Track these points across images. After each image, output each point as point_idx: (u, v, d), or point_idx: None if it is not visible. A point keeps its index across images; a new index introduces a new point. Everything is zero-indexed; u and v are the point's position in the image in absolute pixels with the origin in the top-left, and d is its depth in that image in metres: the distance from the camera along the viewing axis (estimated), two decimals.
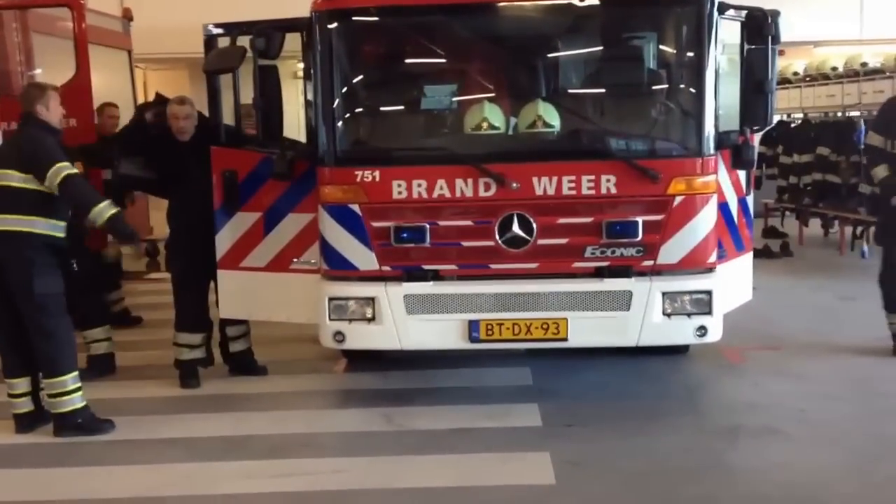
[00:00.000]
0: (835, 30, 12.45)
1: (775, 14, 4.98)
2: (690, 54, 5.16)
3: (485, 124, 5.06)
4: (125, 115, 7.41)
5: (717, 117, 5.06)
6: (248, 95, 5.12)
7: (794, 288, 8.82)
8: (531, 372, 6.07)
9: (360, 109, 5.53)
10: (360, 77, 5.47)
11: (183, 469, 4.68)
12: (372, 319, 5.16)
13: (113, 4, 9.38)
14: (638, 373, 6.03)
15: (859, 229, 10.34)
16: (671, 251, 5.07)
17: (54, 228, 5.06)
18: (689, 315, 5.09)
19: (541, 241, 5.06)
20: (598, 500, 4.21)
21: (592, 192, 5.01)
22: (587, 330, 5.09)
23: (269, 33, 5.03)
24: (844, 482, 4.28)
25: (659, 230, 5.03)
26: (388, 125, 5.64)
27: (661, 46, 5.52)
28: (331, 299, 5.19)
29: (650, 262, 5.07)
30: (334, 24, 5.08)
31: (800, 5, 10.81)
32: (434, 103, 5.61)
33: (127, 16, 9.05)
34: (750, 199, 6.01)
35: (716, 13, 4.96)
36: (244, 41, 5.16)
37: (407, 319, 5.13)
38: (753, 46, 5.00)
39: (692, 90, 5.11)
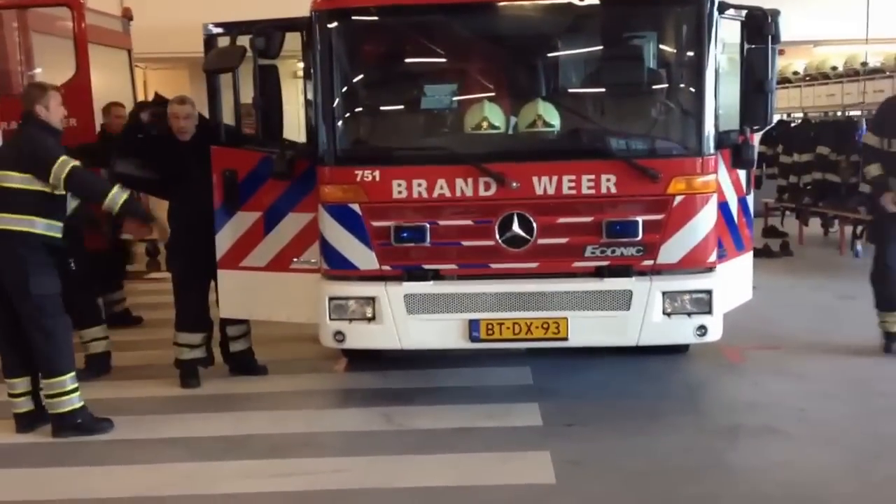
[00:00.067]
0: (836, 29, 12.44)
1: (775, 13, 4.97)
2: (690, 54, 5.16)
3: (485, 124, 5.06)
4: None
5: (717, 117, 5.06)
6: (248, 95, 5.12)
7: (794, 287, 8.82)
8: (531, 371, 6.08)
9: (360, 109, 5.53)
10: (360, 76, 5.47)
11: (183, 469, 4.68)
12: (372, 319, 5.16)
13: (113, 4, 9.37)
14: (638, 372, 6.03)
15: (859, 229, 10.35)
16: (671, 251, 5.07)
17: (52, 229, 5.06)
18: (689, 314, 5.09)
19: (541, 241, 5.06)
20: (598, 499, 4.21)
21: (592, 191, 5.01)
22: (587, 329, 5.09)
23: (268, 33, 5.02)
24: (844, 481, 4.28)
25: (659, 230, 5.03)
26: (388, 125, 5.64)
27: (661, 46, 5.52)
28: (331, 299, 5.19)
29: (650, 262, 5.07)
30: (334, 24, 5.08)
31: (800, 4, 10.81)
32: (434, 103, 5.61)
33: (127, 15, 9.05)
34: (750, 199, 6.01)
35: (716, 12, 4.96)
36: (244, 41, 5.16)
37: (407, 319, 5.13)
38: (753, 46, 5.00)
39: (692, 89, 5.11)
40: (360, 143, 5.47)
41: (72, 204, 5.34)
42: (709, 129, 5.03)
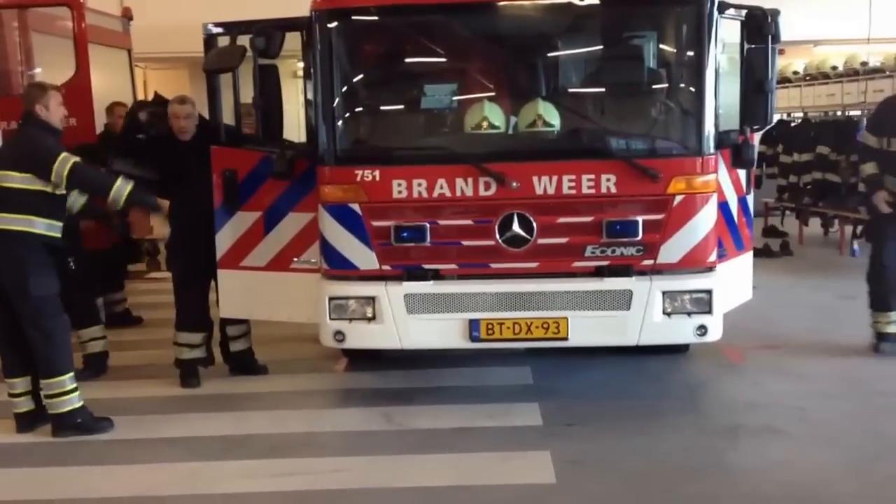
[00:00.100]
0: (836, 29, 12.44)
1: (775, 13, 4.97)
2: (690, 53, 5.16)
3: (485, 123, 5.06)
4: None
5: (717, 116, 5.06)
6: (247, 95, 5.12)
7: (794, 287, 8.82)
8: (531, 371, 6.08)
9: (360, 109, 5.53)
10: (360, 76, 5.47)
11: (183, 468, 4.68)
12: (372, 319, 5.16)
13: (113, 4, 9.36)
14: (638, 372, 6.03)
15: (859, 228, 10.35)
16: (671, 250, 5.07)
17: (52, 228, 5.06)
18: (689, 314, 5.09)
19: (541, 241, 5.06)
20: (598, 499, 4.21)
21: (592, 191, 5.01)
22: (587, 329, 5.09)
23: (268, 32, 5.02)
24: (844, 481, 4.28)
25: (659, 229, 5.03)
26: (388, 124, 5.64)
27: (661, 46, 5.52)
28: (331, 299, 5.19)
29: (650, 262, 5.07)
30: (334, 24, 5.08)
31: (800, 4, 10.81)
32: (434, 102, 5.61)
33: (127, 15, 9.04)
34: (750, 199, 6.01)
35: (716, 12, 4.96)
36: (244, 40, 5.16)
37: (407, 319, 5.13)
38: (753, 45, 5.00)
39: (692, 89, 5.11)
40: (360, 143, 5.47)
41: (80, 200, 5.33)
42: (709, 128, 5.03)
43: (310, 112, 5.27)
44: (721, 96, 5.06)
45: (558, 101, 5.21)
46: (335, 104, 5.14)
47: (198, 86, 7.99)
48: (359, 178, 5.06)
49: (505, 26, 5.35)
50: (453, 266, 5.16)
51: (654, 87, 5.51)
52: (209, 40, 5.48)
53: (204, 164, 5.61)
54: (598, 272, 5.09)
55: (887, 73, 10.45)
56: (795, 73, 12.70)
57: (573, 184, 5.01)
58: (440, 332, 5.15)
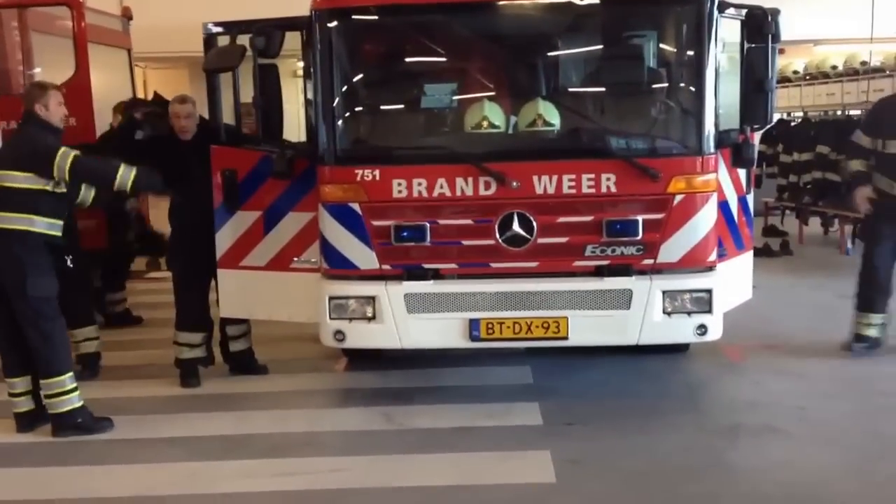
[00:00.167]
0: (836, 28, 12.44)
1: (775, 12, 4.97)
2: (690, 53, 5.15)
3: (485, 123, 5.06)
4: None
5: (717, 116, 5.05)
6: (247, 94, 5.11)
7: (794, 286, 8.82)
8: (531, 371, 6.08)
9: (361, 108, 5.53)
10: (360, 76, 5.47)
11: (183, 468, 4.67)
12: (372, 318, 5.16)
13: (112, 3, 9.35)
14: (638, 371, 6.03)
15: (859, 227, 10.35)
16: (671, 250, 5.07)
17: (53, 227, 5.06)
18: (689, 314, 5.09)
19: (541, 240, 5.06)
20: (598, 498, 4.21)
21: (592, 190, 5.01)
22: (587, 329, 5.09)
23: (268, 32, 5.02)
24: (845, 481, 4.28)
25: (659, 229, 5.03)
26: (388, 124, 5.64)
27: (662, 45, 5.52)
28: (331, 298, 5.19)
29: (650, 261, 5.07)
30: (334, 23, 5.08)
31: (801, 3, 10.80)
32: (434, 102, 5.61)
33: (126, 14, 9.03)
34: (750, 198, 6.01)
35: (716, 11, 4.96)
36: (244, 40, 5.15)
37: (407, 318, 5.13)
38: (753, 45, 5.00)
39: (692, 89, 5.11)
40: (361, 143, 5.47)
41: (91, 192, 5.33)
42: (709, 128, 5.03)
43: (310, 111, 5.27)
44: (721, 96, 5.06)
45: (558, 100, 5.21)
46: (335, 104, 5.14)
47: (198, 85, 7.98)
48: (359, 178, 5.06)
49: (505, 26, 5.35)
50: (453, 266, 5.15)
51: (655, 86, 5.51)
52: (209, 40, 5.48)
53: (204, 164, 5.61)
54: (598, 272, 5.09)
55: (887, 72, 10.45)
56: (795, 72, 12.70)
57: (573, 183, 5.01)
58: (440, 331, 5.15)
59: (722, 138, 5.12)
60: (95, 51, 7.63)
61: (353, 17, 5.19)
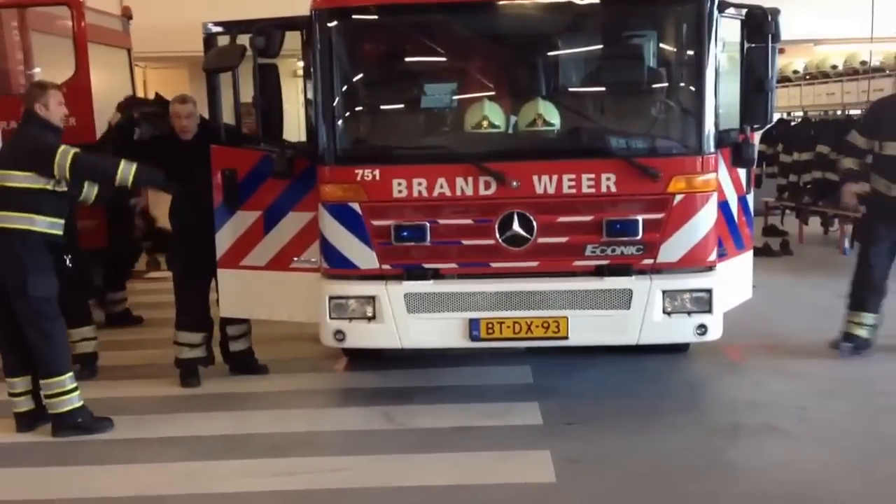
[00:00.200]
0: (836, 28, 12.43)
1: (775, 12, 4.97)
2: (690, 52, 5.16)
3: (485, 123, 5.06)
4: None
5: (717, 115, 5.05)
6: (247, 94, 5.11)
7: (794, 286, 8.82)
8: (531, 370, 6.08)
9: (360, 108, 5.53)
10: (360, 75, 5.47)
11: (183, 468, 4.67)
12: (372, 318, 5.16)
13: (112, 3, 9.35)
14: (638, 371, 6.03)
15: (855, 228, 10.36)
16: (671, 249, 5.07)
17: (54, 226, 5.06)
18: (689, 313, 5.09)
19: (541, 240, 5.06)
20: (598, 498, 4.21)
21: (592, 190, 5.01)
22: (587, 328, 5.09)
23: (268, 32, 5.02)
24: (845, 480, 4.28)
25: (659, 228, 5.03)
26: (388, 124, 5.63)
27: (662, 45, 5.52)
28: (331, 298, 5.19)
29: (650, 261, 5.07)
30: (334, 23, 5.08)
31: (801, 3, 10.79)
32: (434, 102, 5.61)
33: (126, 14, 9.04)
34: (750, 198, 6.01)
35: (716, 11, 4.96)
36: (244, 39, 5.15)
37: (407, 318, 5.13)
38: (753, 44, 5.00)
39: (692, 88, 5.11)
40: (361, 143, 5.47)
41: (94, 190, 5.33)
42: (709, 127, 5.03)
43: (310, 111, 5.26)
44: (721, 95, 5.06)
45: (558, 100, 5.21)
46: (335, 103, 5.14)
47: (197, 85, 7.98)
48: (359, 178, 5.06)
49: (505, 25, 5.35)
50: (453, 265, 5.15)
51: (655, 86, 5.50)
52: (209, 39, 5.48)
53: (205, 164, 5.61)
54: (598, 271, 5.09)
55: (887, 72, 10.45)
56: (795, 72, 12.71)
57: (573, 183, 5.01)
58: (440, 331, 5.15)
59: (722, 138, 5.12)
60: (95, 51, 7.63)
61: (353, 16, 5.19)
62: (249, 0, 6.53)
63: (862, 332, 6.23)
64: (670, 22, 5.37)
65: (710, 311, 5.10)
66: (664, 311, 5.08)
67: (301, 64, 5.42)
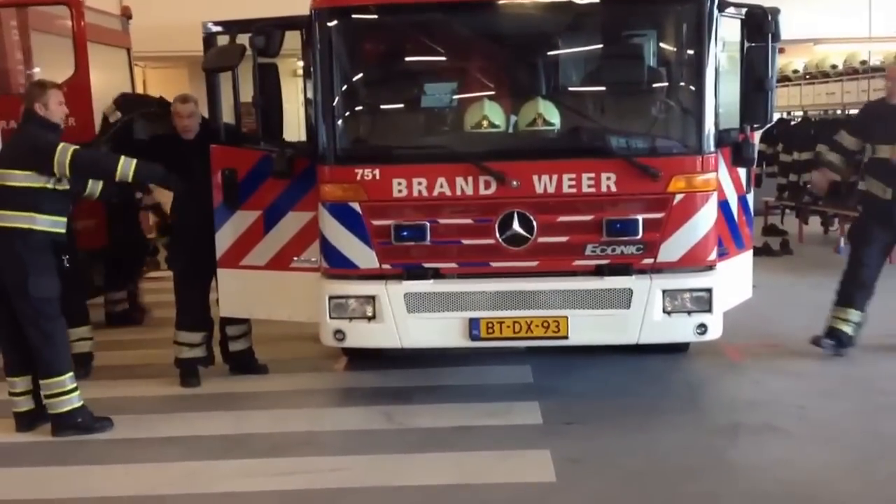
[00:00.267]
0: (836, 27, 12.44)
1: (775, 11, 4.98)
2: (690, 52, 5.16)
3: (485, 122, 5.05)
4: None
5: (717, 115, 5.05)
6: (247, 93, 5.11)
7: (794, 286, 8.82)
8: (532, 370, 6.08)
9: (360, 107, 5.53)
10: (360, 75, 5.47)
11: (183, 467, 4.67)
12: (372, 318, 5.16)
13: (112, 3, 9.34)
14: (638, 371, 6.03)
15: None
16: (671, 249, 5.07)
17: (56, 225, 5.06)
18: (689, 313, 5.09)
19: (541, 239, 5.05)
20: (598, 497, 4.21)
21: (593, 189, 5.01)
22: (587, 328, 5.09)
23: (268, 31, 5.02)
24: (845, 479, 4.28)
25: (659, 228, 5.03)
26: (388, 123, 5.63)
27: (662, 44, 5.52)
28: (331, 298, 5.19)
29: (650, 260, 5.07)
30: (334, 22, 5.08)
31: (801, 2, 10.80)
32: (434, 101, 5.61)
33: (126, 14, 9.03)
34: (750, 197, 6.01)
35: (716, 11, 4.96)
36: (243, 39, 5.15)
37: (407, 318, 5.12)
38: (753, 44, 5.00)
39: (692, 88, 5.11)
40: (360, 142, 5.47)
41: (98, 185, 5.34)
42: (709, 127, 5.03)
43: (310, 111, 5.26)
44: (721, 95, 5.06)
45: (558, 99, 5.21)
46: (335, 103, 5.14)
47: (197, 84, 7.98)
48: (359, 177, 5.06)
49: (505, 25, 5.35)
50: (453, 265, 5.15)
51: (655, 85, 5.50)
52: (208, 39, 5.47)
53: (206, 164, 5.61)
54: (599, 271, 5.09)
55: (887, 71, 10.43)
56: (795, 71, 12.70)
57: (573, 182, 5.01)
58: (440, 330, 5.15)
59: (722, 137, 5.12)
60: (95, 50, 7.62)
61: (353, 16, 5.19)
62: (249, 0, 6.53)
63: (847, 329, 6.21)
64: (670, 21, 5.37)
65: (710, 310, 5.10)
66: (664, 311, 5.08)
67: (301, 63, 5.42)
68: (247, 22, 5.15)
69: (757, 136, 6.98)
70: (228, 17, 5.43)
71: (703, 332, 5.13)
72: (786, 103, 12.56)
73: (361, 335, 5.23)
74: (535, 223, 5.04)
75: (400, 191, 5.05)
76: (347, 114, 5.30)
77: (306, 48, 5.15)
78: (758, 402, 5.40)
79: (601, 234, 5.02)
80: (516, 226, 5.04)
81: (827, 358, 6.20)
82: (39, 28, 8.13)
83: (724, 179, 5.49)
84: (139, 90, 9.80)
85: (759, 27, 4.94)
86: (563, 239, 5.06)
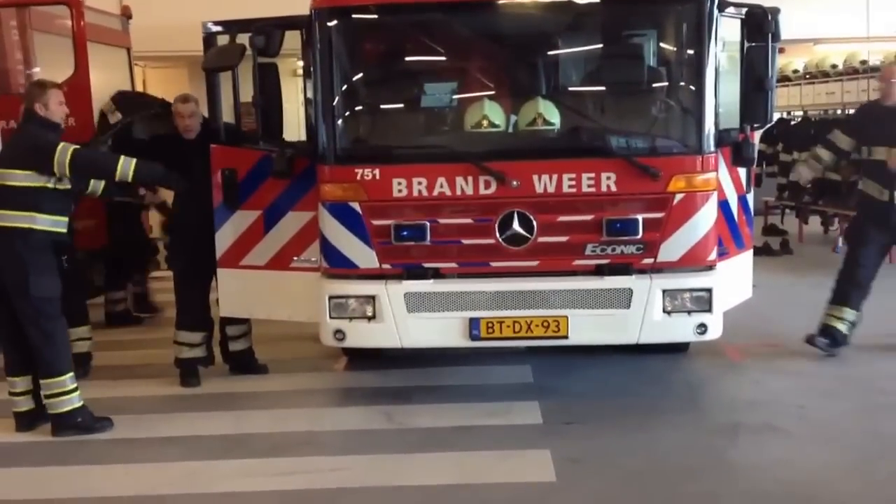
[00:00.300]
0: (836, 27, 12.44)
1: (775, 11, 4.98)
2: (691, 52, 5.15)
3: (485, 122, 5.05)
4: None
5: (717, 115, 5.05)
6: (247, 93, 5.11)
7: (794, 285, 8.82)
8: (532, 370, 6.08)
9: (360, 107, 5.52)
10: (360, 75, 5.47)
11: (183, 467, 4.67)
12: (372, 317, 5.16)
13: (112, 2, 9.34)
14: (638, 370, 6.03)
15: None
16: (671, 249, 5.07)
17: (56, 225, 5.06)
18: (689, 313, 5.10)
19: (541, 239, 5.05)
20: (598, 497, 4.21)
21: (593, 189, 5.01)
22: (587, 327, 5.09)
23: (268, 31, 5.01)
24: (845, 479, 4.28)
25: (659, 228, 5.03)
26: (388, 123, 5.63)
27: (662, 44, 5.52)
28: (331, 297, 5.19)
29: (650, 260, 5.07)
30: (334, 22, 5.08)
31: (800, 2, 10.79)
32: (434, 101, 5.61)
33: (126, 14, 9.03)
34: (750, 197, 6.01)
35: (716, 10, 4.96)
36: (243, 39, 5.15)
37: (407, 317, 5.12)
38: (753, 44, 5.00)
39: (692, 88, 5.11)
40: (360, 142, 5.47)
41: (100, 184, 5.34)
42: (709, 127, 5.03)
43: (310, 111, 5.26)
44: (721, 94, 5.06)
45: (558, 99, 5.21)
46: (335, 103, 5.13)
47: (197, 84, 7.98)
48: (359, 177, 5.06)
49: (505, 25, 5.35)
50: (453, 265, 5.15)
51: (655, 85, 5.50)
52: (208, 39, 5.46)
53: (208, 163, 5.61)
54: (599, 270, 5.09)
55: None
56: (795, 71, 12.72)
57: (573, 182, 5.01)
58: (440, 330, 5.15)
59: (722, 137, 5.11)
60: (95, 50, 7.62)
61: (353, 16, 5.19)
62: (249, 0, 6.53)
63: (841, 327, 6.21)
64: (670, 21, 5.37)
65: (710, 310, 5.10)
66: (664, 311, 5.08)
67: (301, 63, 5.42)
68: (247, 22, 5.15)
69: (757, 135, 6.98)
70: (228, 17, 5.42)
71: (703, 332, 5.13)
72: (786, 103, 12.57)
73: (361, 335, 5.23)
74: (535, 223, 5.04)
75: (400, 190, 5.05)
76: (347, 113, 5.30)
77: (306, 48, 5.15)
78: (758, 402, 5.40)
79: (601, 233, 5.02)
80: (516, 225, 5.04)
81: (827, 358, 6.20)
82: (39, 28, 8.13)
83: (724, 179, 5.49)
84: (139, 90, 9.79)
85: (759, 27, 4.94)
86: (563, 239, 5.06)
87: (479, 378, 5.99)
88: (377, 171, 5.05)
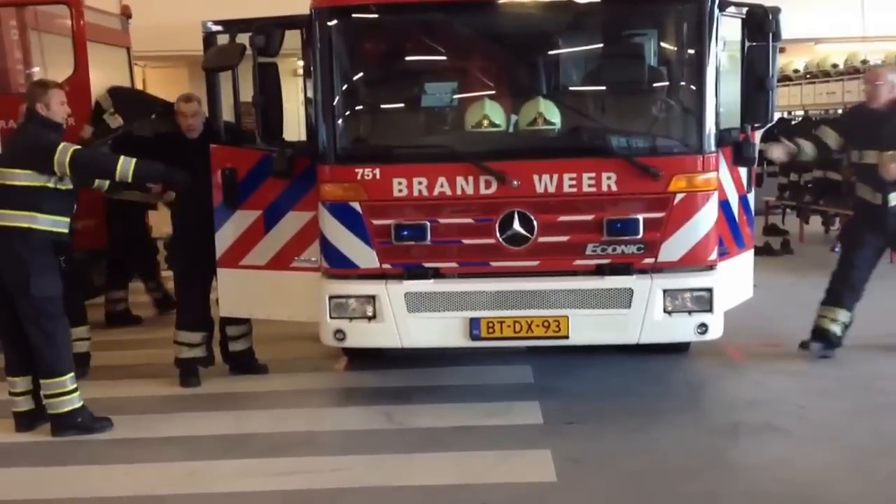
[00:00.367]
0: (836, 27, 12.43)
1: (776, 11, 4.98)
2: (691, 51, 5.15)
3: (485, 122, 5.05)
4: None
5: (717, 114, 5.05)
6: (247, 93, 5.11)
7: (795, 285, 8.80)
8: (532, 370, 6.07)
9: (361, 107, 5.52)
10: (360, 74, 5.46)
11: (183, 468, 4.67)
12: (373, 317, 5.15)
13: (112, 2, 9.34)
14: (639, 371, 6.03)
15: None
16: (672, 248, 5.06)
17: (57, 224, 5.05)
18: (689, 312, 5.09)
19: (542, 239, 5.05)
20: (598, 497, 4.21)
21: (593, 189, 5.01)
22: (588, 327, 5.09)
23: (268, 30, 5.01)
24: (845, 479, 4.28)
25: (660, 228, 5.03)
26: (388, 122, 5.63)
27: (662, 43, 5.52)
28: (331, 297, 5.19)
29: (651, 260, 5.07)
30: (334, 22, 5.07)
31: (801, 2, 10.79)
32: (434, 101, 5.59)
33: (125, 13, 9.03)
34: (751, 197, 6.01)
35: (717, 10, 4.96)
36: (243, 38, 5.15)
37: (407, 317, 5.12)
38: (754, 43, 4.99)
39: (693, 87, 5.11)
40: (361, 142, 5.46)
41: (104, 184, 5.35)
42: (710, 126, 5.02)
43: (310, 110, 5.26)
44: (722, 94, 5.05)
45: (559, 99, 5.20)
46: (335, 102, 5.13)
47: (197, 84, 7.99)
48: (359, 177, 5.05)
49: (505, 24, 5.35)
50: (454, 264, 5.15)
51: (655, 85, 5.49)
52: (208, 38, 5.47)
53: (209, 163, 5.60)
54: (599, 270, 5.08)
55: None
56: (796, 71, 12.70)
57: (574, 182, 5.00)
58: (441, 330, 5.14)
59: (723, 137, 5.11)
60: (94, 49, 7.63)
61: (353, 15, 5.18)
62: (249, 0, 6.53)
63: (834, 328, 6.19)
64: (671, 21, 5.36)
65: (710, 310, 5.09)
66: (665, 311, 5.07)
67: (301, 63, 5.41)
68: (247, 21, 5.15)
69: (758, 135, 6.96)
70: (228, 17, 5.43)
71: (704, 332, 5.13)
72: (786, 103, 12.56)
73: (361, 335, 5.23)
74: (535, 223, 5.04)
75: (400, 190, 5.04)
76: (347, 113, 5.30)
77: (306, 48, 5.15)
78: (758, 401, 5.39)
79: (602, 233, 5.02)
80: (517, 225, 5.03)
81: (827, 358, 6.19)
82: (39, 27, 8.13)
83: (724, 179, 5.49)
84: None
85: (760, 26, 4.94)
86: (564, 238, 5.06)
87: (479, 378, 5.99)
88: (377, 171, 5.05)
